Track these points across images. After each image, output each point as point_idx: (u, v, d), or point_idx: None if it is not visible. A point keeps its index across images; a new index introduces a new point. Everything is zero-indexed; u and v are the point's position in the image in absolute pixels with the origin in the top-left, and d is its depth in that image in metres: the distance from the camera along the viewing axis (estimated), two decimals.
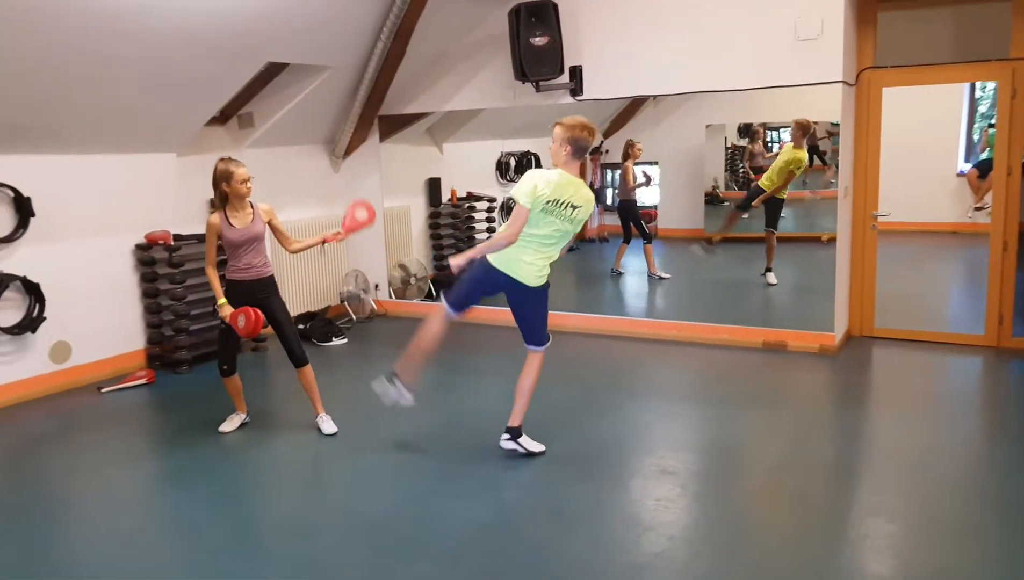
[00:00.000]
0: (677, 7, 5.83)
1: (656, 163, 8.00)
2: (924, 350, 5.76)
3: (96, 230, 5.57)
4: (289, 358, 4.51)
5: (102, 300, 5.64)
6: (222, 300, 4.31)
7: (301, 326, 6.69)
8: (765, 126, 8.34)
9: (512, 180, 8.91)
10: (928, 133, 7.40)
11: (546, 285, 3.98)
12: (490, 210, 8.57)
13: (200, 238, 6.00)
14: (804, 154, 6.73)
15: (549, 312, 4.07)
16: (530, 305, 3.97)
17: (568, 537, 3.28)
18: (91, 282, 5.56)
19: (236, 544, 3.32)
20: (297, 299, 6.93)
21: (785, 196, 6.94)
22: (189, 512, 3.63)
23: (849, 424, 4.49)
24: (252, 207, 4.38)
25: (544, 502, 3.60)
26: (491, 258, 3.88)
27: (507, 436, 4.07)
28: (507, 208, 8.37)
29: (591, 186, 9.64)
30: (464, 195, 8.42)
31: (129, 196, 5.74)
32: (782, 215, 7.13)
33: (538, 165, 9.11)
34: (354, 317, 7.25)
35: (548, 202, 3.73)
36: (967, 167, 8.68)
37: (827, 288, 5.86)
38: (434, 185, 8.20)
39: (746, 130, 8.29)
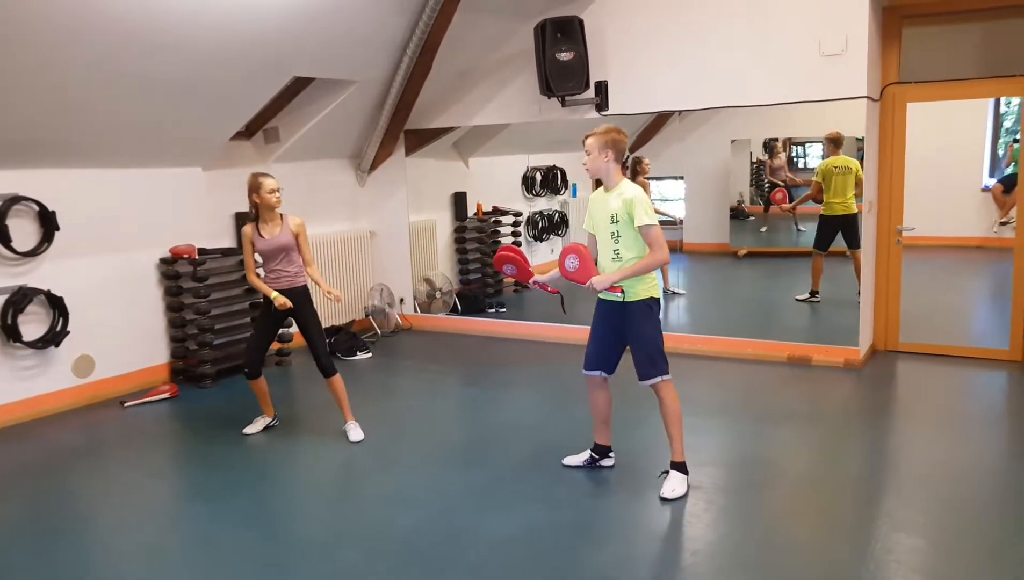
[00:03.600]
0: (702, 23, 5.86)
1: (682, 178, 8.02)
2: (949, 365, 5.72)
3: (120, 244, 5.64)
4: (317, 368, 4.62)
5: (126, 314, 5.70)
6: (274, 293, 4.48)
7: (328, 340, 6.74)
8: (791, 141, 8.33)
9: (538, 194, 8.95)
10: (953, 148, 7.37)
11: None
12: (516, 225, 8.61)
13: (224, 252, 6.08)
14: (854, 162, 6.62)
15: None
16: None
17: (594, 552, 3.28)
18: (115, 296, 5.63)
19: (262, 560, 3.35)
20: (322, 313, 6.95)
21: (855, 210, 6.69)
22: (214, 527, 3.66)
23: (874, 439, 4.46)
24: (282, 219, 4.58)
25: (570, 517, 3.61)
26: (656, 293, 3.74)
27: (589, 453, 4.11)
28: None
29: None
30: (490, 209, 8.47)
31: (154, 210, 5.82)
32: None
33: (564, 180, 9.15)
34: (379, 331, 7.30)
35: None
36: (992, 182, 8.61)
37: (852, 302, 5.84)
38: (460, 199, 8.25)
39: (768, 146, 8.30)
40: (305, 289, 4.67)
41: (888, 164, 5.88)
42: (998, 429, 4.71)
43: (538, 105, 6.49)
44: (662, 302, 3.80)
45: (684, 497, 3.69)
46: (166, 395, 5.59)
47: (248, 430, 4.80)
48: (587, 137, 3.71)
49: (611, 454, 4.09)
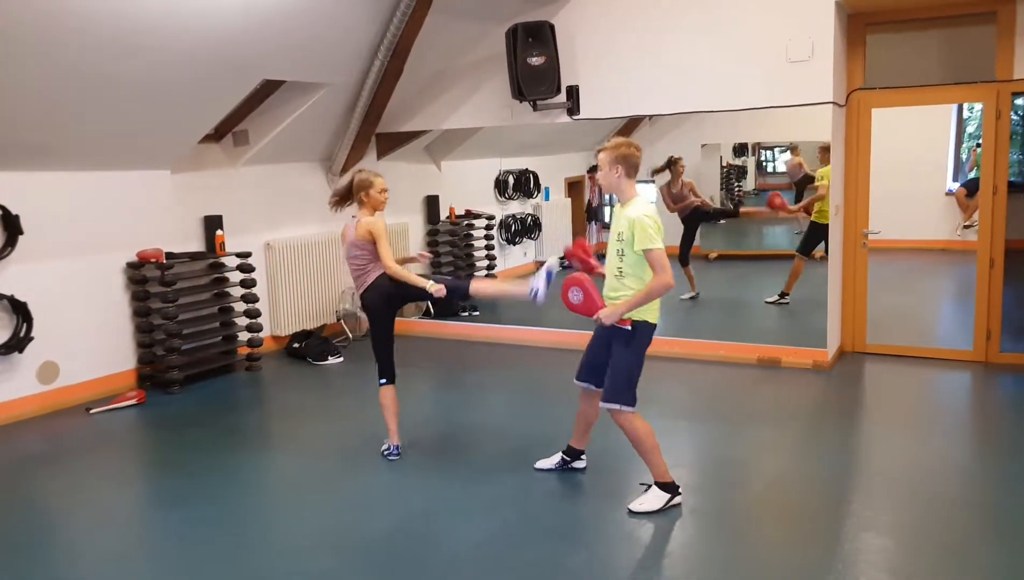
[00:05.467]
0: (671, 30, 5.91)
1: (653, 181, 8.08)
2: (915, 365, 5.82)
3: (86, 248, 5.55)
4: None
5: (91, 319, 5.60)
6: (427, 282, 4.11)
7: (296, 345, 6.70)
8: (759, 145, 8.45)
9: (511, 197, 8.97)
10: (918, 153, 7.52)
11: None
12: (488, 228, 8.62)
13: (193, 256, 6.01)
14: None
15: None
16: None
17: (567, 555, 3.29)
18: (80, 301, 5.53)
19: (233, 568, 3.30)
20: (292, 317, 6.93)
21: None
22: (182, 535, 3.61)
23: (842, 439, 4.52)
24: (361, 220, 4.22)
25: (544, 520, 3.61)
26: (653, 319, 3.63)
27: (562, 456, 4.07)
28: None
29: (588, 204, 9.78)
30: (463, 213, 8.47)
31: (121, 214, 5.73)
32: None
33: (536, 184, 9.18)
34: (351, 335, 7.26)
35: None
36: (956, 186, 8.80)
37: (821, 304, 5.92)
38: (432, 202, 8.24)
39: (741, 149, 8.40)
40: (369, 289, 4.32)
41: (854, 168, 5.98)
42: (963, 429, 4.81)
43: (510, 109, 6.50)
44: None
45: (661, 511, 3.62)
46: (133, 401, 5.50)
47: (382, 447, 4.41)
48: (599, 151, 3.62)
49: (583, 457, 4.09)
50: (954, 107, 8.61)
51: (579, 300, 3.64)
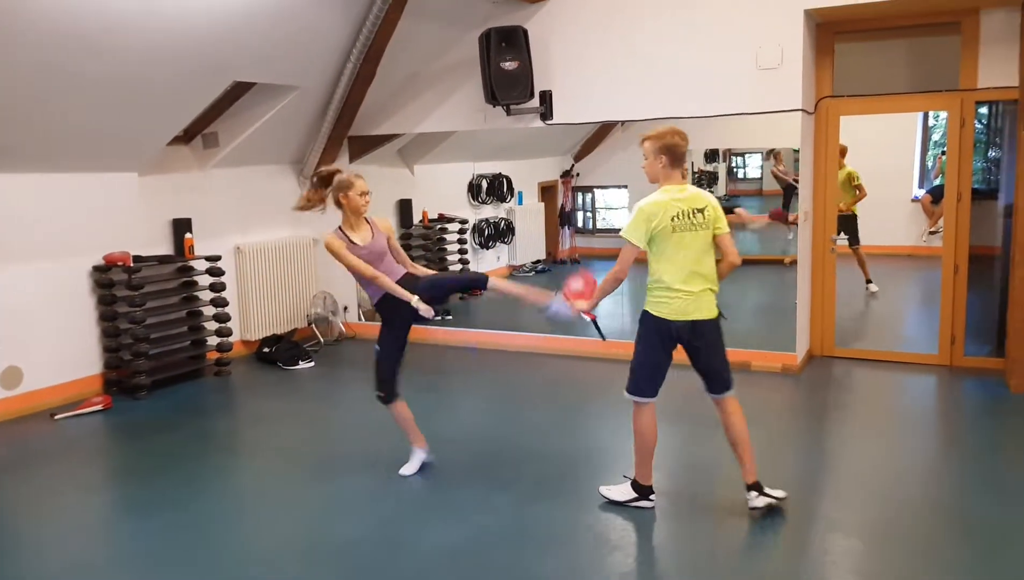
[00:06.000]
0: (644, 36, 5.95)
1: (626, 186, 8.12)
2: (881, 369, 5.91)
3: (51, 251, 5.45)
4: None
5: (56, 323, 5.50)
6: (415, 298, 3.84)
7: (266, 349, 6.63)
8: (730, 152, 8.53)
9: (484, 201, 8.97)
10: (884, 160, 7.64)
11: (720, 315, 3.60)
12: (462, 232, 8.61)
13: (161, 260, 5.93)
14: (852, 169, 7.51)
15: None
16: (714, 342, 3.57)
17: (538, 559, 3.29)
18: (45, 305, 5.43)
19: (198, 576, 3.26)
20: (263, 322, 6.86)
21: (857, 211, 7.53)
22: (148, 543, 3.55)
23: (810, 442, 4.58)
24: (369, 222, 4.02)
25: (514, 524, 3.61)
26: (657, 312, 3.51)
27: (754, 494, 3.59)
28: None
29: (562, 208, 9.81)
30: (436, 217, 8.45)
31: (87, 216, 5.63)
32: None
33: (510, 188, 9.18)
34: (322, 340, 7.20)
35: (673, 220, 3.41)
36: (921, 193, 8.95)
37: (789, 309, 5.99)
38: (405, 206, 8.21)
39: (712, 155, 8.48)
40: (411, 275, 4.09)
41: (822, 175, 6.06)
42: (929, 431, 4.88)
43: (483, 113, 6.50)
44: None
45: (622, 505, 3.69)
46: (99, 407, 5.41)
47: (406, 470, 4.14)
48: (644, 140, 3.51)
49: (766, 494, 3.61)
50: (920, 115, 8.76)
51: (579, 287, 3.75)
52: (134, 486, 4.24)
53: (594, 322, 3.81)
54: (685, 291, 3.45)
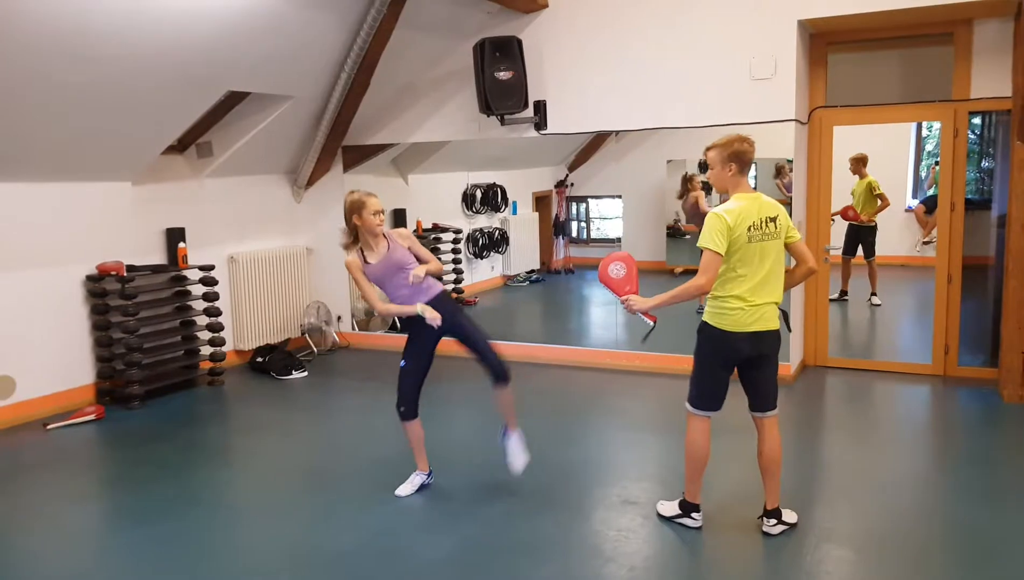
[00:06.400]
0: (638, 46, 5.97)
1: (620, 197, 8.13)
2: (875, 379, 5.91)
3: (44, 260, 5.43)
4: (492, 375, 3.99)
5: (49, 333, 5.48)
6: (419, 307, 3.77)
7: (259, 359, 6.61)
8: (707, 166, 8.53)
9: (478, 211, 8.97)
10: (878, 170, 7.65)
11: (785, 321, 3.48)
12: (456, 242, 8.60)
13: (154, 269, 5.92)
14: (873, 178, 7.61)
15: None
16: (771, 356, 3.47)
17: (531, 570, 3.27)
18: (38, 314, 5.41)
19: None
20: (256, 331, 6.84)
21: (875, 223, 7.64)
22: (142, 553, 3.53)
23: (805, 452, 4.57)
24: (385, 237, 3.96)
25: (508, 535, 3.59)
26: (716, 323, 3.39)
27: (773, 521, 3.53)
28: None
29: (556, 218, 9.80)
30: (430, 226, 8.45)
31: (80, 226, 5.62)
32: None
33: (504, 198, 9.19)
34: (315, 349, 7.18)
35: (750, 229, 3.30)
36: (915, 203, 8.98)
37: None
38: (399, 216, 8.20)
39: (706, 166, 8.50)
40: (446, 293, 4.03)
41: (816, 186, 6.07)
42: (922, 441, 4.88)
43: (477, 123, 6.51)
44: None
45: (669, 520, 3.64)
46: (91, 417, 5.38)
47: (401, 491, 4.06)
48: (708, 149, 3.45)
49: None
50: (913, 125, 8.79)
51: (619, 275, 3.54)
52: (127, 496, 4.21)
53: (652, 324, 3.59)
54: (752, 303, 3.34)
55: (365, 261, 3.91)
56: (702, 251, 3.30)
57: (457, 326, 3.94)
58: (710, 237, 3.27)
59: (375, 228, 3.86)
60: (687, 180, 7.74)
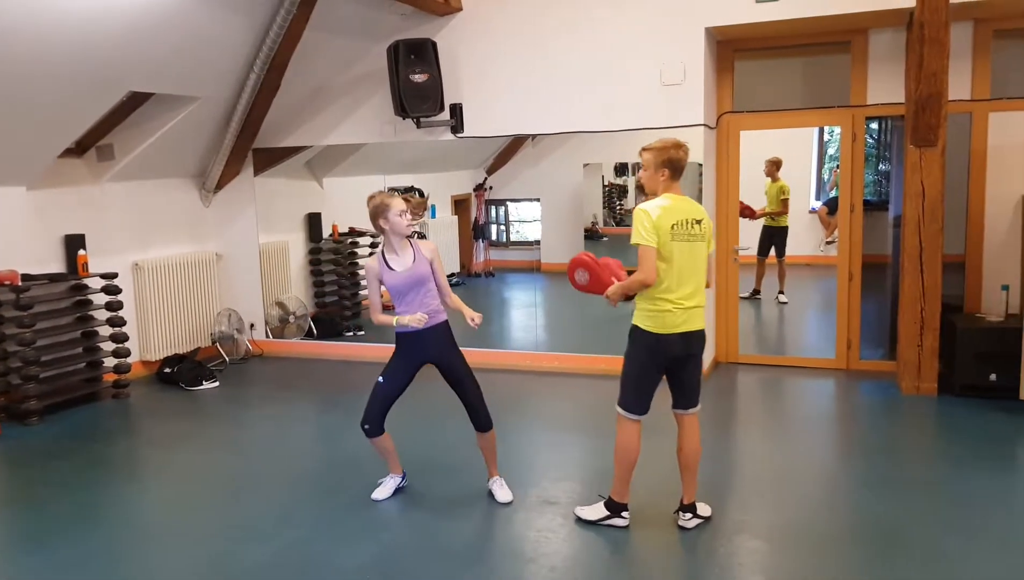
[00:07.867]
0: (552, 52, 6.03)
1: (538, 199, 8.18)
2: (784, 374, 6.14)
3: None
4: (473, 422, 3.94)
5: None
6: (407, 317, 3.68)
7: (168, 370, 6.37)
8: (639, 165, 8.70)
9: None
10: (783, 173, 7.93)
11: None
12: (373, 246, 8.48)
13: (52, 278, 5.63)
14: (785, 182, 7.82)
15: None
16: (698, 355, 3.51)
17: (452, 575, 3.25)
18: None
19: None
20: (164, 341, 6.59)
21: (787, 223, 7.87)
22: (43, 578, 3.34)
23: (718, 446, 4.69)
24: (412, 246, 3.83)
25: (428, 541, 3.56)
26: (647, 326, 3.39)
27: (689, 515, 3.59)
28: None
29: (475, 221, 9.79)
30: (346, 230, 8.31)
31: None
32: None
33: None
34: (227, 358, 6.96)
35: (673, 227, 3.31)
36: (818, 204, 9.34)
37: None
38: (314, 220, 8.04)
39: (622, 169, 8.63)
40: (448, 325, 3.88)
41: (725, 188, 6.26)
42: (828, 432, 5.08)
43: (393, 126, 6.45)
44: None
45: (595, 524, 3.64)
46: None
47: (378, 495, 3.99)
48: (643, 150, 3.45)
49: (696, 513, 3.64)
50: (816, 130, 9.16)
51: (585, 281, 3.54)
52: (24, 518, 3.97)
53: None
54: (677, 304, 3.36)
55: (388, 266, 3.77)
56: (636, 245, 3.32)
57: (449, 365, 3.85)
58: (638, 232, 3.30)
59: (404, 229, 3.73)
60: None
